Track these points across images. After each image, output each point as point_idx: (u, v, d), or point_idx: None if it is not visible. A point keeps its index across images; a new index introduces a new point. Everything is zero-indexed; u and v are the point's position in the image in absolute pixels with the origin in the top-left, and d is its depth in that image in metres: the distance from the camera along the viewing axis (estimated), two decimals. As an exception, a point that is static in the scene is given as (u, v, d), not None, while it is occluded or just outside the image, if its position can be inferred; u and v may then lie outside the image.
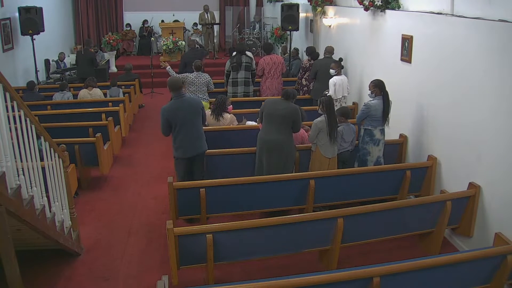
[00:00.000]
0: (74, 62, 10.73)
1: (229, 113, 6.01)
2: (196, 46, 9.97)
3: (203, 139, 4.89)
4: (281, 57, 8.25)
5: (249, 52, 7.80)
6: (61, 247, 3.95)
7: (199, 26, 13.40)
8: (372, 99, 5.04)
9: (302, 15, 10.17)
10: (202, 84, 6.82)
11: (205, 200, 4.40)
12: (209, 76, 6.92)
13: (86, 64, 9.67)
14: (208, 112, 5.94)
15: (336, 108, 6.12)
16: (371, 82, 5.05)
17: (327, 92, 6.25)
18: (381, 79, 5.05)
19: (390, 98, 5.12)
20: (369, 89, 5.07)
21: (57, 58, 11.05)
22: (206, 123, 5.29)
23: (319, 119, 4.87)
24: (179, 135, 4.74)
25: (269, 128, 4.81)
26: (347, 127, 5.10)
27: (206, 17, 12.53)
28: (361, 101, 7.17)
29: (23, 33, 9.21)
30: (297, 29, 9.99)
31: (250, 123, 6.18)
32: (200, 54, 8.46)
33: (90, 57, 9.78)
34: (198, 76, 6.79)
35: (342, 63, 6.68)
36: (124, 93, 8.54)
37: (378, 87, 4.97)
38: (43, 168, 3.57)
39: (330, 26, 8.55)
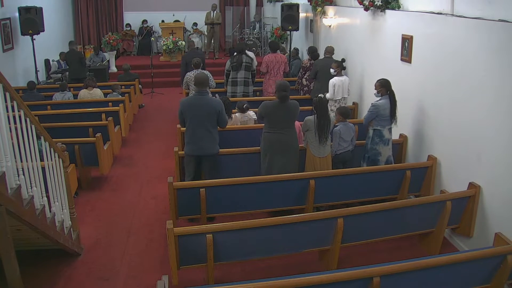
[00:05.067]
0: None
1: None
2: (196, 46, 10.02)
3: (212, 141, 4.86)
4: (285, 56, 8.26)
5: (250, 52, 7.82)
6: (61, 247, 3.95)
7: (202, 26, 13.37)
8: (378, 98, 5.03)
9: (302, 15, 10.17)
10: None
11: (205, 200, 4.41)
12: (209, 73, 7.01)
13: (76, 64, 9.65)
14: None
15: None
16: (377, 81, 5.03)
17: (322, 95, 6.23)
18: (386, 78, 5.03)
19: (391, 98, 5.12)
20: (375, 89, 5.05)
21: (58, 58, 11.05)
22: (225, 126, 5.10)
23: (310, 117, 4.89)
24: (188, 130, 4.87)
25: (278, 129, 4.81)
26: (345, 126, 5.09)
27: (212, 16, 12.47)
28: (361, 101, 7.18)
29: (23, 33, 9.21)
30: (297, 29, 10.00)
31: (252, 113, 6.17)
32: (201, 54, 8.55)
33: (79, 57, 9.76)
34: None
35: (344, 64, 6.66)
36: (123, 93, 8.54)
37: (384, 87, 4.95)
38: (43, 168, 3.57)
39: (330, 26, 8.55)
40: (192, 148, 4.84)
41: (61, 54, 11.06)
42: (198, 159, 4.90)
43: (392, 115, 4.95)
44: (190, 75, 6.95)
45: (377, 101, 5.03)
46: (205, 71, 7.03)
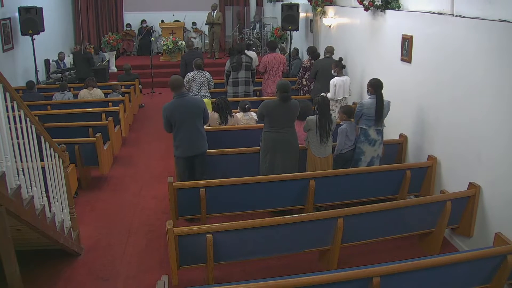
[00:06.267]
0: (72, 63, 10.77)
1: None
2: (196, 47, 10.04)
3: (203, 139, 4.88)
4: (284, 56, 8.26)
5: (251, 52, 7.82)
6: (61, 247, 3.95)
7: (202, 25, 13.37)
8: (367, 97, 5.06)
9: (302, 15, 10.17)
10: (203, 82, 6.95)
11: (205, 200, 4.41)
12: (209, 74, 7.06)
13: (83, 64, 9.69)
14: (215, 115, 5.90)
15: (338, 110, 6.13)
16: (368, 81, 5.07)
17: (324, 94, 6.24)
18: (379, 78, 5.04)
19: (391, 99, 5.11)
20: (367, 88, 5.10)
21: (57, 58, 11.06)
22: (208, 124, 5.20)
23: (311, 117, 4.90)
24: (178, 134, 4.78)
25: (278, 129, 4.81)
26: (350, 125, 5.10)
27: (212, 16, 12.47)
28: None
29: (23, 33, 9.21)
30: (297, 29, 10.00)
31: (253, 113, 6.16)
32: (199, 55, 8.57)
33: (87, 57, 9.81)
34: (199, 74, 6.95)
35: (342, 62, 6.67)
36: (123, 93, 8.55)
37: (371, 87, 4.98)
38: (43, 168, 3.57)
39: (330, 26, 8.55)
40: (187, 149, 4.79)
41: (60, 54, 11.08)
42: (190, 159, 4.88)
43: (377, 116, 4.93)
44: (192, 75, 6.94)
45: (364, 100, 5.07)
46: (204, 72, 7.05)
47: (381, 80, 5.03)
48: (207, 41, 13.61)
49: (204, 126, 5.02)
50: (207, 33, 13.38)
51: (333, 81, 6.47)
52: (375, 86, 4.94)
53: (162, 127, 8.38)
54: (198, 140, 4.81)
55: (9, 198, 2.77)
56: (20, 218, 2.95)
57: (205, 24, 12.83)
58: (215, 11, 12.45)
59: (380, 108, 4.90)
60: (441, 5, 4.77)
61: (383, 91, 4.98)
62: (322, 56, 7.64)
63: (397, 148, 5.59)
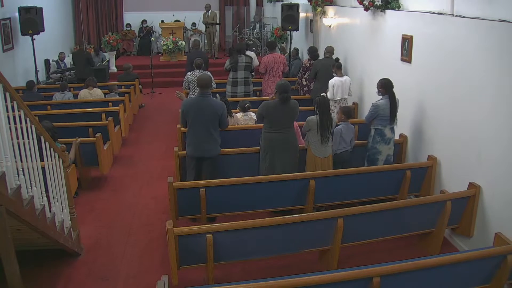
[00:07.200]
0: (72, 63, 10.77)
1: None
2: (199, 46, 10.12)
3: (214, 143, 4.86)
4: (284, 56, 8.26)
5: (251, 52, 7.81)
6: (61, 247, 3.95)
7: (201, 26, 13.41)
8: (379, 98, 5.06)
9: (302, 15, 10.17)
10: None
11: (205, 200, 4.40)
12: (210, 74, 7.01)
13: (83, 64, 9.71)
14: None
15: (336, 110, 6.13)
16: (379, 81, 5.08)
17: (325, 94, 6.24)
18: (389, 78, 5.05)
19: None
20: (377, 88, 5.10)
21: (57, 58, 11.05)
22: (226, 127, 5.04)
23: (312, 117, 4.89)
24: (189, 132, 4.86)
25: (278, 129, 4.82)
26: (346, 126, 5.10)
27: (207, 16, 12.51)
28: (361, 102, 7.19)
29: (23, 33, 9.21)
30: (297, 29, 9.99)
31: (253, 114, 6.16)
32: (204, 54, 8.60)
33: (87, 57, 9.83)
34: (198, 74, 6.89)
35: (340, 62, 6.66)
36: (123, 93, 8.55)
37: (383, 87, 5.00)
38: (43, 168, 3.57)
39: (330, 26, 8.55)
40: (193, 149, 4.83)
41: (60, 54, 11.08)
42: (199, 160, 4.90)
43: (392, 115, 4.97)
44: (192, 75, 6.96)
45: (377, 101, 5.06)
46: (207, 72, 7.05)
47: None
48: (206, 41, 13.63)
49: None
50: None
51: (331, 81, 6.48)
52: (387, 86, 4.98)
53: (162, 127, 8.50)
54: (206, 143, 4.80)
55: (9, 198, 2.77)
56: (20, 218, 2.95)
57: (203, 24, 12.85)
58: (209, 12, 12.49)
59: (394, 107, 4.95)
60: (441, 5, 4.77)
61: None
62: (322, 56, 7.64)
63: (397, 148, 5.59)
